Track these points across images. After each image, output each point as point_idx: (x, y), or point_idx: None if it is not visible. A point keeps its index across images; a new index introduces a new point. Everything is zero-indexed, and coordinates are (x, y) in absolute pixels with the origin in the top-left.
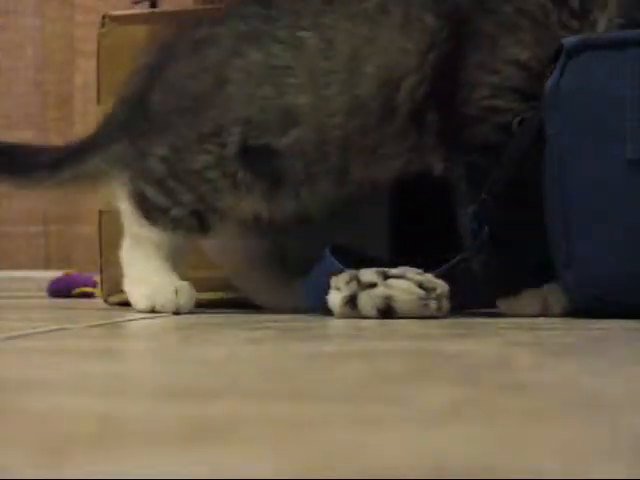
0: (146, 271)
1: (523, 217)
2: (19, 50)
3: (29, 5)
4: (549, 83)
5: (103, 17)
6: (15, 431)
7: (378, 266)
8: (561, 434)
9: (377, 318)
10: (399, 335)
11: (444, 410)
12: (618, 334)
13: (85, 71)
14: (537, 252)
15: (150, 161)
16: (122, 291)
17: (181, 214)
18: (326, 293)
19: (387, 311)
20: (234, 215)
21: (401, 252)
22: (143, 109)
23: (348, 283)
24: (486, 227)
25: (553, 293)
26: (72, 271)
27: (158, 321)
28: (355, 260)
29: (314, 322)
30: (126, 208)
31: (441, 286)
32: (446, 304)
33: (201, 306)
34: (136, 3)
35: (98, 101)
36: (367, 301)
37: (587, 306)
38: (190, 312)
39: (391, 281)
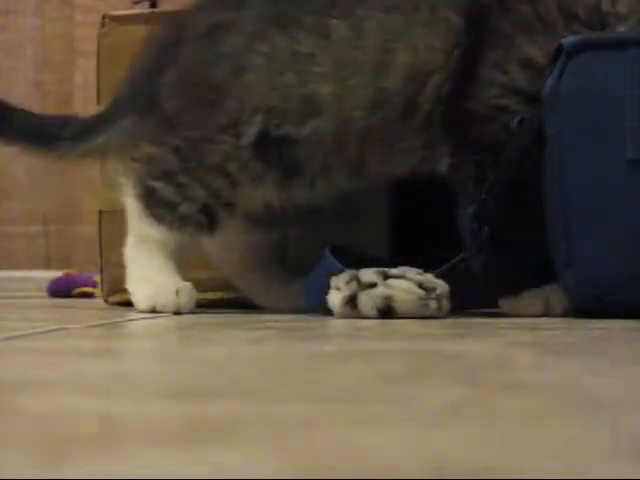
0: (149, 270)
1: (523, 217)
2: (19, 50)
3: (29, 5)
4: (549, 83)
5: (103, 17)
6: (15, 431)
7: (378, 266)
8: (561, 434)
9: (377, 318)
10: (399, 335)
11: (444, 410)
12: (618, 334)
13: (85, 71)
14: (537, 252)
15: (162, 152)
16: (122, 291)
17: (190, 210)
18: (326, 293)
19: (387, 311)
20: (246, 207)
21: (401, 252)
22: (151, 89)
23: (348, 283)
24: (486, 227)
25: (554, 293)
26: (72, 271)
27: (158, 321)
28: (355, 260)
29: (314, 322)
30: (132, 206)
31: (441, 286)
32: (446, 304)
33: (202, 306)
34: (136, 3)
35: (98, 101)
36: (367, 301)
37: (587, 306)
38: (191, 312)
39: (391, 281)
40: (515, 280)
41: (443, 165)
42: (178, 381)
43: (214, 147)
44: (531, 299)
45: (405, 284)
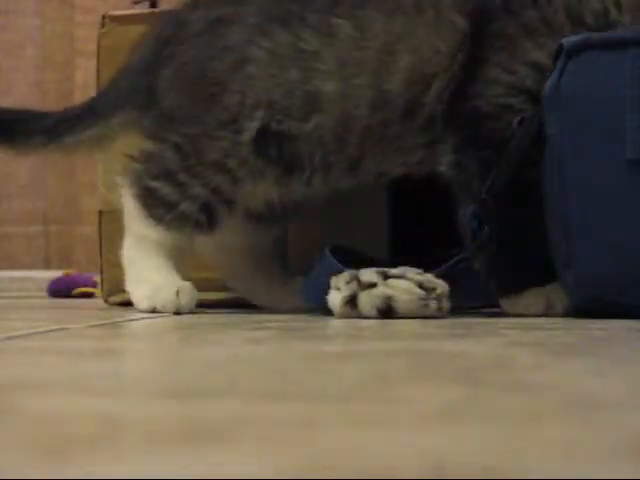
0: (148, 271)
1: (523, 217)
2: (19, 50)
3: (29, 5)
4: (549, 83)
5: (103, 17)
6: (15, 431)
7: (378, 266)
8: (561, 434)
9: (377, 318)
10: (399, 335)
11: (444, 410)
12: (618, 334)
13: (85, 71)
14: (537, 252)
15: (161, 149)
16: (122, 291)
17: (190, 209)
18: (326, 293)
19: (387, 311)
20: (246, 204)
21: (401, 252)
22: (149, 85)
23: (348, 283)
24: (486, 227)
25: (555, 293)
26: (72, 271)
27: (158, 321)
28: (355, 260)
29: (314, 322)
30: (129, 206)
31: (441, 286)
32: (446, 304)
33: (202, 306)
34: (136, 3)
35: None
36: (367, 301)
37: (587, 306)
38: (191, 312)
39: (391, 281)
40: (515, 280)
41: (444, 164)
42: (178, 381)
43: (214, 143)
44: (532, 299)
45: (405, 284)
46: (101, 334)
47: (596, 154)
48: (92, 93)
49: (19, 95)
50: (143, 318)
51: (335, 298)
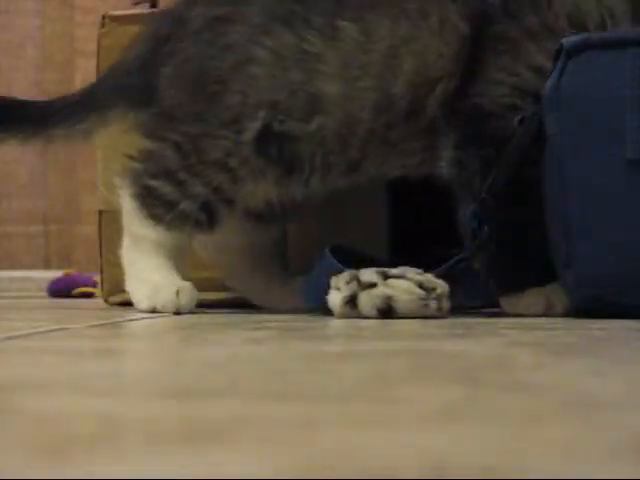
0: (148, 271)
1: (523, 217)
2: (19, 50)
3: (29, 5)
4: (549, 83)
5: (103, 17)
6: (15, 431)
7: (378, 266)
8: (561, 434)
9: (377, 318)
10: (399, 335)
11: (444, 410)
12: (618, 334)
13: (85, 71)
14: (538, 252)
15: (161, 147)
16: (122, 291)
17: (190, 208)
18: (326, 293)
19: (387, 311)
20: (247, 203)
21: (401, 252)
22: (148, 83)
23: (348, 283)
24: (486, 227)
25: (555, 293)
26: (72, 271)
27: (158, 321)
28: (355, 260)
29: (314, 322)
30: (128, 206)
31: (441, 286)
32: (446, 304)
33: (202, 306)
34: (136, 4)
35: None
36: (367, 301)
37: (587, 306)
38: (191, 312)
39: (391, 281)
40: (515, 279)
41: (444, 162)
42: (178, 381)
43: (215, 142)
44: (532, 298)
45: (405, 284)
46: (101, 334)
47: (596, 154)
48: None
49: (19, 95)
50: (143, 318)
51: (335, 298)
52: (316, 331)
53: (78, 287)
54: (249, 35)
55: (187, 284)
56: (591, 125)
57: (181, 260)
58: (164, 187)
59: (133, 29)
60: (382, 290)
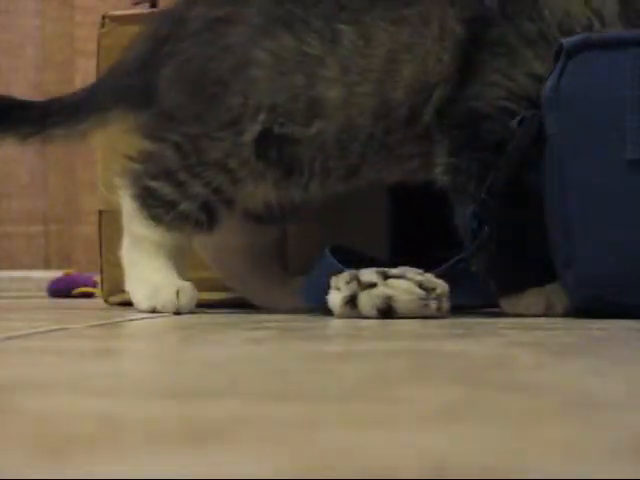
0: (148, 271)
1: (523, 217)
2: (19, 50)
3: (29, 5)
4: (549, 83)
5: (103, 17)
6: (15, 431)
7: (378, 266)
8: (561, 434)
9: (377, 318)
10: (399, 335)
11: (444, 410)
12: (618, 334)
13: (85, 71)
14: (537, 252)
15: (161, 148)
16: (122, 291)
17: (190, 209)
18: (326, 293)
19: (387, 311)
20: (246, 204)
21: (401, 252)
22: (148, 83)
23: (348, 283)
24: (486, 227)
25: (555, 293)
26: (72, 271)
27: (158, 321)
28: (355, 260)
29: (314, 322)
30: (129, 207)
31: (441, 286)
32: (446, 304)
33: (202, 306)
34: (136, 4)
35: None
36: (367, 301)
37: (587, 306)
38: (191, 312)
39: (391, 281)
40: (515, 280)
41: (439, 169)
42: (178, 381)
43: (215, 143)
44: (532, 298)
45: (405, 284)
46: (101, 334)
47: (596, 154)
48: None
49: (19, 95)
50: (143, 318)
51: (335, 298)
52: (316, 331)
53: (78, 287)
54: (249, 36)
55: (187, 284)
56: (591, 125)
57: (181, 260)
58: (164, 188)
59: (133, 29)
60: (382, 290)
